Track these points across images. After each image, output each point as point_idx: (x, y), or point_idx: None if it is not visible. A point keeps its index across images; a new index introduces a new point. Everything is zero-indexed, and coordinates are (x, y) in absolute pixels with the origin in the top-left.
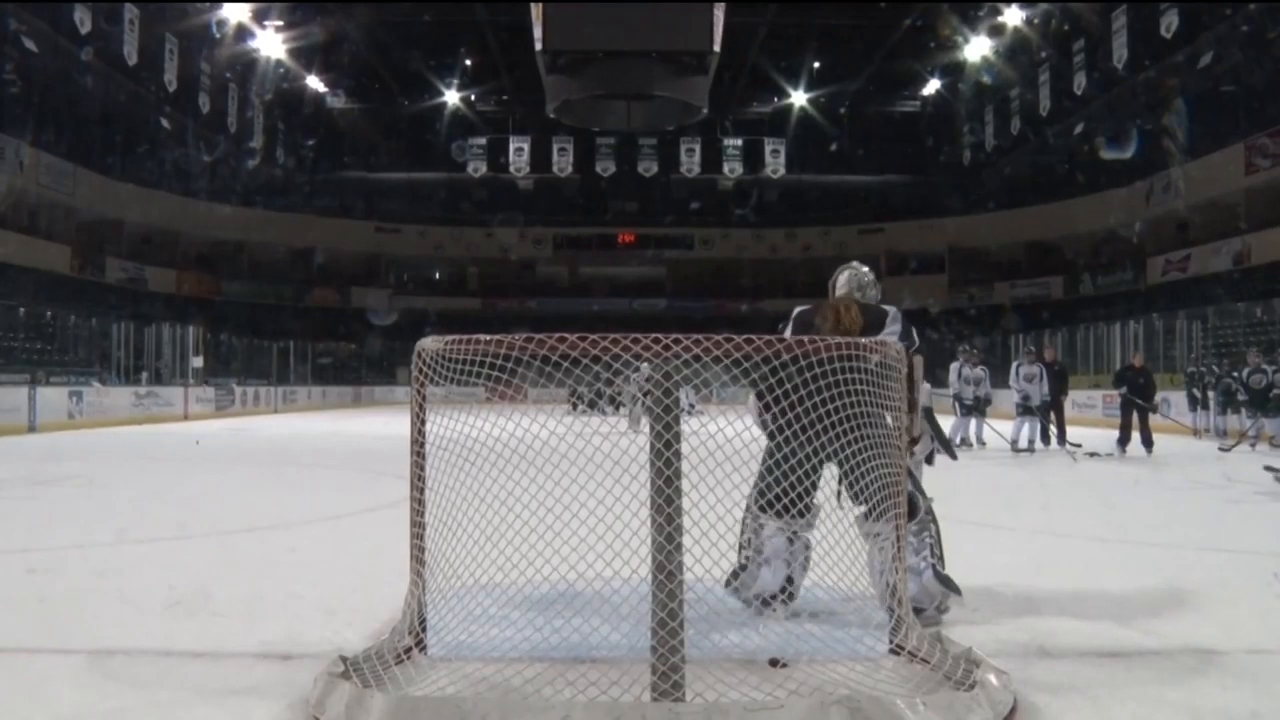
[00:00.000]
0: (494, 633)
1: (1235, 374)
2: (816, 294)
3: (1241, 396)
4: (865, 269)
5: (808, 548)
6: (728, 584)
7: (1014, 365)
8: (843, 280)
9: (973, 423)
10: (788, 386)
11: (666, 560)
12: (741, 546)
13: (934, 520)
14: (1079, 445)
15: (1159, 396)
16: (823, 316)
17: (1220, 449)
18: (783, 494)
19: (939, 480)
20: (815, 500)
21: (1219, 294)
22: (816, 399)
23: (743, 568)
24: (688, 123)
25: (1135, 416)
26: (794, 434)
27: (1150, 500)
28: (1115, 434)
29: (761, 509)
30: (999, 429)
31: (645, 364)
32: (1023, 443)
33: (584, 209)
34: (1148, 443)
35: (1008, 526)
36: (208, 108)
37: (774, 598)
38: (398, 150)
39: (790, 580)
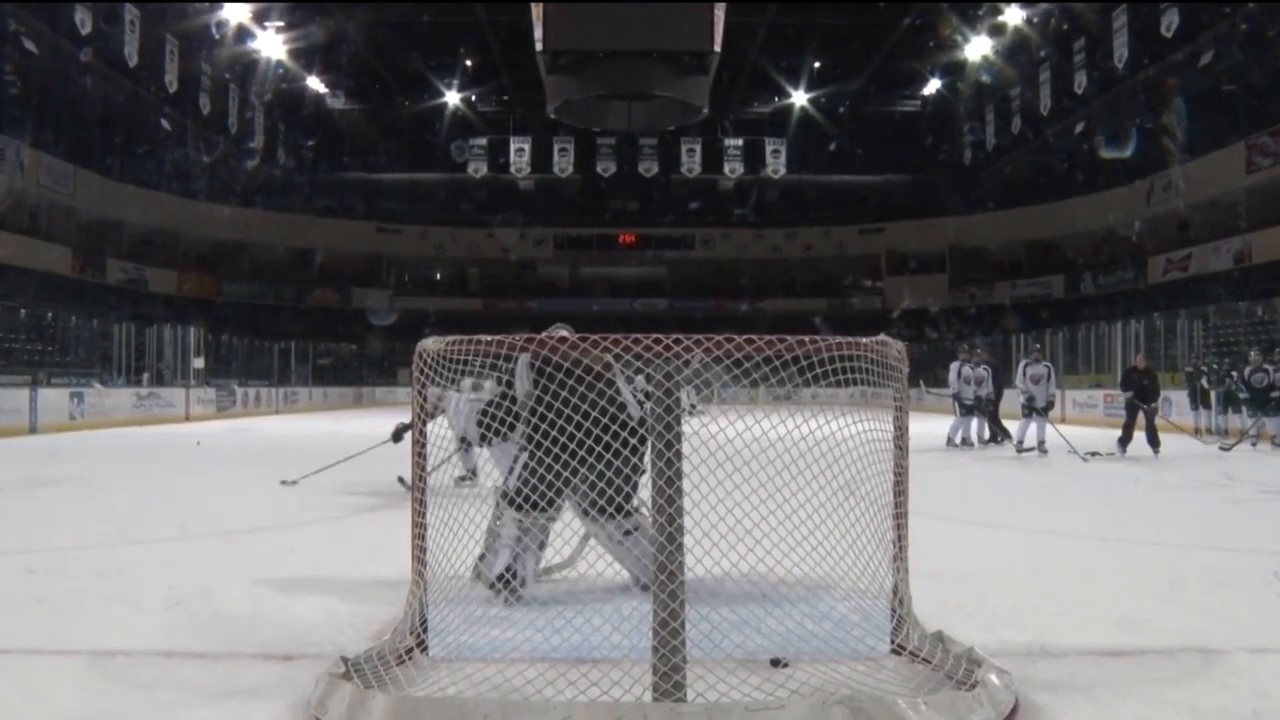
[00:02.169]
0: (495, 633)
1: (1235, 373)
2: (817, 294)
3: (1242, 395)
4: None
5: (542, 545)
6: (476, 574)
7: (1020, 365)
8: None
9: (974, 423)
10: (548, 394)
11: (667, 560)
12: (487, 532)
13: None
14: (1096, 453)
15: (1161, 397)
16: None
17: (1221, 448)
18: (526, 490)
19: (943, 481)
20: (559, 499)
21: (1220, 293)
22: (572, 408)
23: (481, 557)
24: (688, 123)
25: (1141, 417)
26: (548, 437)
27: (1150, 500)
28: (1115, 432)
29: (508, 502)
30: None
31: (641, 376)
32: (1029, 442)
33: (584, 209)
34: (1154, 443)
35: (1008, 526)
36: (208, 108)
37: (499, 579)
38: (398, 150)
39: (510, 570)
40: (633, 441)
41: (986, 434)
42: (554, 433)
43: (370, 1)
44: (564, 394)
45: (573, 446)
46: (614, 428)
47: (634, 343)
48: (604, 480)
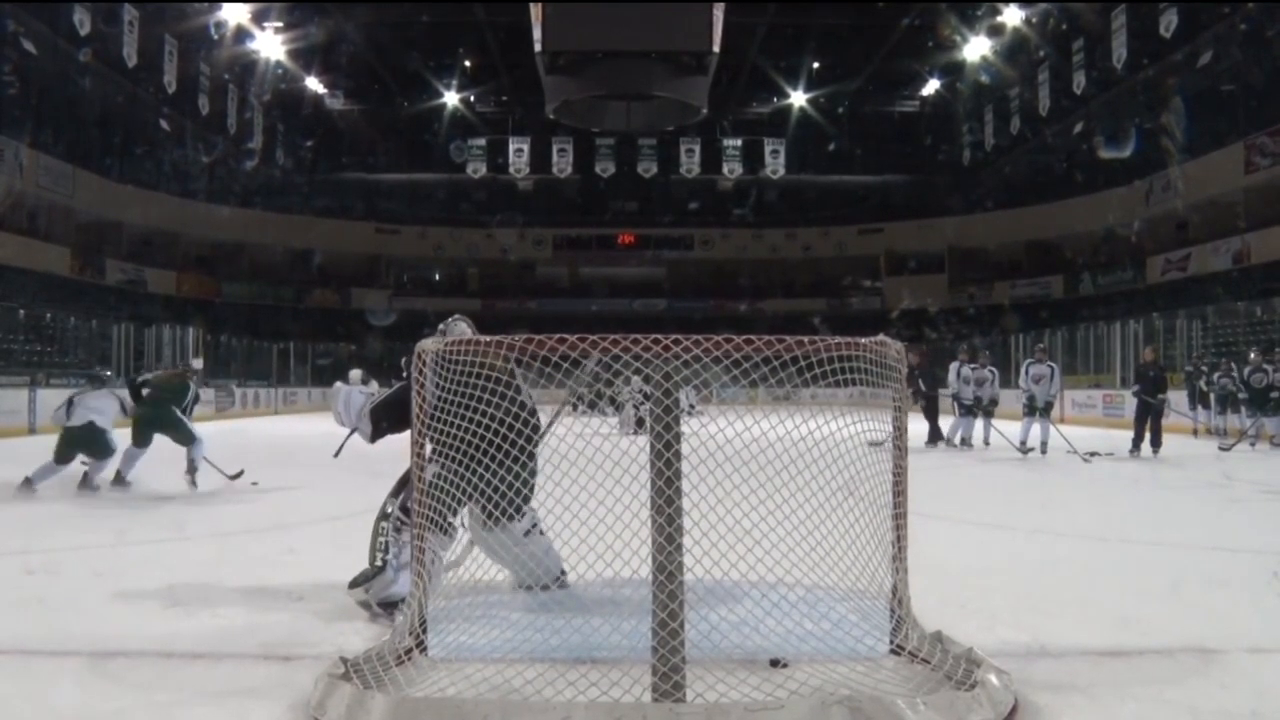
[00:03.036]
0: (494, 634)
1: (1235, 373)
2: (816, 294)
3: (1242, 395)
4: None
5: (437, 563)
6: (354, 584)
7: (1025, 365)
8: (464, 328)
9: (976, 423)
10: (449, 403)
11: (667, 560)
12: (377, 550)
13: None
14: (1096, 453)
15: (1168, 393)
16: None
17: (1220, 448)
18: (430, 510)
19: (943, 481)
20: (455, 521)
21: (1219, 293)
22: (469, 418)
23: (378, 571)
24: (687, 123)
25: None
26: (451, 451)
27: (1150, 500)
28: (1115, 432)
29: (404, 520)
30: (1003, 429)
31: (637, 377)
32: (1032, 443)
33: (584, 209)
34: (1156, 443)
35: (1008, 526)
36: (207, 109)
37: (402, 603)
38: (397, 151)
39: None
40: (530, 448)
41: (991, 436)
42: (466, 448)
43: (370, 1)
44: (476, 394)
45: (483, 459)
46: (521, 429)
47: (633, 343)
48: (505, 484)
